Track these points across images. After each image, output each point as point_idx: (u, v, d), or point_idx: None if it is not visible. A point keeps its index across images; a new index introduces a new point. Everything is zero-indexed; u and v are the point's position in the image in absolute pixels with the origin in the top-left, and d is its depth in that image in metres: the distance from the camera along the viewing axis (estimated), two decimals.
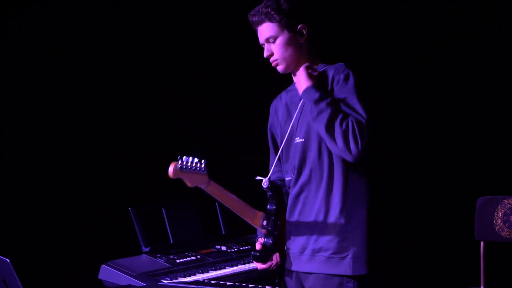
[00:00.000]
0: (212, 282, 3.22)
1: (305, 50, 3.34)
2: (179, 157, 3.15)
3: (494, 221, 4.18)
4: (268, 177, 3.41)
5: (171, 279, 3.80)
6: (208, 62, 5.23)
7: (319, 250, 3.27)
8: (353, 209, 3.22)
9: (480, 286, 4.23)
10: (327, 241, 3.24)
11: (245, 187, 3.54)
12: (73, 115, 4.92)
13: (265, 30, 3.32)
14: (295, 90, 3.35)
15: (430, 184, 5.22)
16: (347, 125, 3.11)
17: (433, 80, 5.21)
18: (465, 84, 5.17)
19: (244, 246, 4.26)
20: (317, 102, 3.17)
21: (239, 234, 4.37)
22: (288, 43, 3.31)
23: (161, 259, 4.04)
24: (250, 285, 3.08)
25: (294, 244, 3.35)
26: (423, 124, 5.25)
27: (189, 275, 3.89)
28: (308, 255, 3.30)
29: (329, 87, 3.25)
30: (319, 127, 3.16)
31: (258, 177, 3.43)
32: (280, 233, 3.42)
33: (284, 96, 3.49)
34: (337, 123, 3.12)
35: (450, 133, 5.22)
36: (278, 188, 3.44)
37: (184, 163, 3.15)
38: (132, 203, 4.22)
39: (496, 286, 4.42)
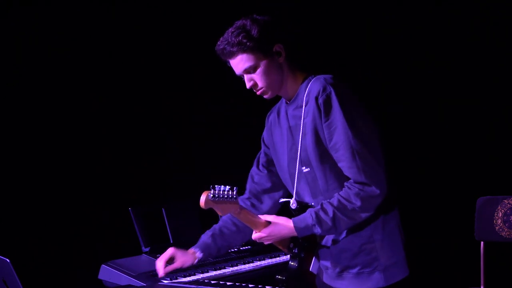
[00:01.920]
0: (212, 282, 3.22)
1: (286, 68, 3.21)
2: (211, 186, 3.08)
3: (494, 221, 4.18)
4: (293, 197, 3.29)
5: (171, 279, 3.79)
6: (209, 62, 5.22)
7: (347, 267, 3.22)
8: (374, 221, 3.19)
9: (480, 286, 4.23)
10: (353, 256, 3.20)
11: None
12: (73, 115, 4.92)
13: (240, 62, 3.17)
14: (295, 102, 3.25)
15: (430, 184, 5.22)
16: (353, 202, 3.08)
17: (433, 80, 5.21)
18: (465, 84, 5.17)
19: (244, 246, 4.26)
20: (318, 229, 3.13)
21: None
22: (269, 69, 3.16)
23: None
24: (250, 285, 3.08)
25: (322, 260, 3.32)
26: (423, 124, 5.25)
27: (189, 275, 3.88)
28: (336, 272, 3.26)
29: (312, 110, 3.14)
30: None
31: (282, 200, 3.36)
32: (307, 255, 3.34)
33: (282, 110, 3.35)
34: (346, 215, 3.10)
35: (450, 133, 5.23)
36: (306, 207, 3.28)
37: (217, 192, 3.08)
38: (132, 203, 4.22)
39: (496, 286, 4.42)
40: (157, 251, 4.11)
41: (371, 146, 3.11)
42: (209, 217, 4.31)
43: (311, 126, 3.16)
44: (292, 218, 3.19)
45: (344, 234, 3.21)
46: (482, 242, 4.23)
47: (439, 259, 5.19)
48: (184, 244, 4.21)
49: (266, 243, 3.27)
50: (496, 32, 5.05)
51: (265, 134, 3.48)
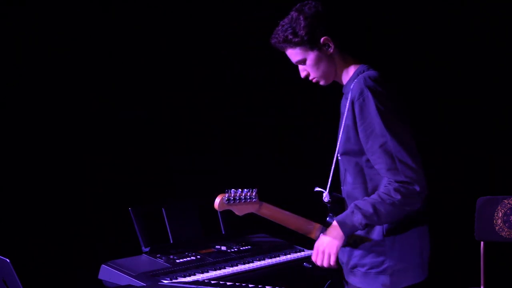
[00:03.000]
0: (212, 282, 3.22)
1: (337, 57, 3.26)
2: (226, 190, 3.12)
3: (494, 221, 4.18)
4: (327, 190, 3.30)
5: (171, 279, 3.80)
6: (209, 62, 5.23)
7: (357, 265, 3.26)
8: (390, 224, 3.19)
9: (480, 286, 4.23)
10: (363, 256, 3.23)
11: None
12: (73, 115, 4.92)
13: (291, 56, 3.27)
14: (344, 91, 3.28)
15: (429, 184, 5.21)
16: (394, 196, 3.10)
17: (432, 79, 5.21)
18: (465, 84, 5.16)
19: (244, 246, 4.26)
20: (362, 226, 3.14)
21: (239, 234, 4.37)
22: (318, 61, 3.24)
23: (161, 259, 4.04)
24: (250, 285, 3.08)
25: (341, 254, 3.32)
26: (423, 124, 5.24)
27: (189, 275, 3.89)
28: (349, 268, 3.29)
29: (348, 110, 3.18)
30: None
31: (318, 188, 3.34)
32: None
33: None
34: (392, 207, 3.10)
35: (450, 133, 5.22)
36: (340, 201, 3.31)
37: (232, 195, 3.13)
38: (132, 203, 4.22)
39: (496, 286, 4.42)
40: (157, 251, 4.12)
41: (408, 147, 3.13)
42: (209, 217, 4.32)
43: (345, 123, 3.21)
44: (335, 219, 3.19)
45: (359, 233, 3.22)
46: (482, 242, 4.23)
47: (439, 259, 5.18)
48: (184, 244, 4.22)
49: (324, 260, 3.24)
50: (496, 32, 5.05)
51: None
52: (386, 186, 3.12)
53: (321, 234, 3.23)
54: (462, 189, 5.06)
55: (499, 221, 4.17)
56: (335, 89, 3.38)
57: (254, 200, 3.17)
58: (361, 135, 3.16)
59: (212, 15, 5.16)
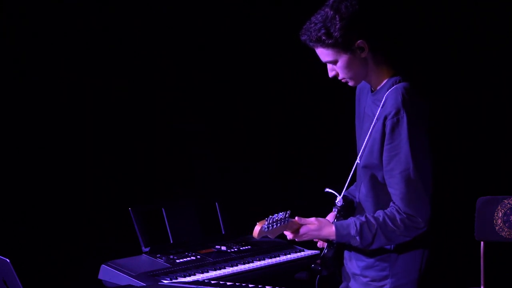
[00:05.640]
0: (212, 282, 3.22)
1: (370, 61, 3.11)
2: (266, 218, 3.06)
3: (494, 221, 4.18)
4: (342, 195, 3.25)
5: (171, 279, 3.80)
6: (210, 62, 5.22)
7: (360, 274, 3.25)
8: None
9: (480, 286, 4.23)
10: (367, 267, 3.22)
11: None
12: (73, 114, 4.92)
13: (321, 55, 3.11)
14: (375, 96, 3.16)
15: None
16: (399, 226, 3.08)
17: (432, 79, 5.21)
18: (465, 84, 5.16)
19: (244, 246, 4.26)
20: (358, 242, 3.12)
21: (239, 234, 4.37)
22: (351, 64, 3.08)
23: (161, 259, 4.04)
24: (250, 285, 3.08)
25: (347, 259, 3.33)
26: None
27: (189, 275, 3.89)
28: (352, 273, 3.29)
29: (379, 122, 3.10)
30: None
31: (328, 190, 3.28)
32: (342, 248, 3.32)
33: (367, 88, 3.23)
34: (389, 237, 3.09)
35: (450, 133, 5.22)
36: (351, 204, 3.27)
37: (270, 223, 3.07)
38: (132, 203, 4.22)
39: (496, 286, 4.42)
40: (157, 251, 4.12)
41: (426, 178, 3.09)
42: (209, 217, 4.32)
43: (373, 136, 3.13)
44: (335, 222, 3.16)
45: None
46: (482, 242, 4.23)
47: (439, 259, 5.18)
48: (184, 244, 4.22)
49: (300, 240, 3.22)
50: (496, 31, 5.05)
51: (357, 93, 3.36)
52: (393, 213, 3.10)
53: (317, 221, 3.17)
54: (462, 189, 5.06)
55: (499, 221, 4.17)
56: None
57: (287, 223, 3.12)
58: (385, 154, 3.09)
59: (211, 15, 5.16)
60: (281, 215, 3.09)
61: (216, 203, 4.34)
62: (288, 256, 4.22)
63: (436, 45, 5.18)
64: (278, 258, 4.20)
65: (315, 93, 5.21)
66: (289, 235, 3.18)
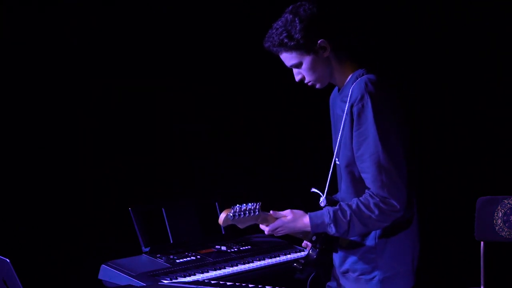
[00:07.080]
0: (212, 282, 3.22)
1: (333, 60, 3.19)
2: (232, 206, 3.10)
3: (494, 221, 4.18)
4: (325, 195, 3.26)
5: (171, 279, 3.80)
6: (210, 62, 5.22)
7: (349, 270, 3.26)
8: (383, 231, 3.19)
9: (480, 286, 4.23)
10: (354, 261, 3.23)
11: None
12: (73, 115, 4.92)
13: (285, 59, 3.19)
14: (342, 94, 3.21)
15: (430, 184, 5.22)
16: (373, 211, 3.09)
17: (432, 79, 5.21)
18: (465, 84, 5.16)
19: (244, 246, 4.27)
20: (333, 230, 3.13)
21: (239, 234, 4.37)
22: (314, 64, 3.17)
23: (161, 259, 4.05)
24: (250, 285, 3.08)
25: (335, 258, 3.34)
26: (423, 124, 5.25)
27: (189, 275, 3.89)
28: (341, 271, 3.29)
29: (347, 114, 3.14)
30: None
31: (314, 190, 3.30)
32: (328, 246, 3.31)
33: (336, 95, 3.32)
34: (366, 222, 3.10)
35: (450, 133, 5.22)
36: (334, 204, 3.26)
37: (237, 212, 3.10)
38: (132, 203, 4.22)
39: (496, 286, 4.42)
40: (157, 251, 4.12)
41: (398, 161, 3.11)
42: (209, 217, 4.32)
43: (343, 129, 3.17)
44: (309, 213, 3.18)
45: (352, 239, 3.22)
46: (482, 242, 4.23)
47: (439, 259, 5.18)
48: (184, 244, 4.23)
49: (278, 235, 3.26)
50: (496, 31, 5.05)
51: (330, 103, 3.43)
52: (367, 198, 3.11)
53: (291, 213, 3.20)
54: (462, 189, 5.06)
55: (499, 221, 4.17)
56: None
57: (257, 214, 3.15)
58: (354, 140, 3.13)
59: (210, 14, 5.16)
60: (250, 205, 3.12)
61: (216, 203, 4.35)
62: (288, 256, 4.23)
63: (436, 45, 5.18)
64: (278, 258, 4.20)
65: (315, 93, 5.20)
66: (265, 229, 3.22)
